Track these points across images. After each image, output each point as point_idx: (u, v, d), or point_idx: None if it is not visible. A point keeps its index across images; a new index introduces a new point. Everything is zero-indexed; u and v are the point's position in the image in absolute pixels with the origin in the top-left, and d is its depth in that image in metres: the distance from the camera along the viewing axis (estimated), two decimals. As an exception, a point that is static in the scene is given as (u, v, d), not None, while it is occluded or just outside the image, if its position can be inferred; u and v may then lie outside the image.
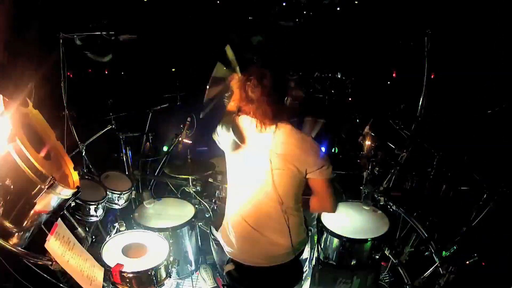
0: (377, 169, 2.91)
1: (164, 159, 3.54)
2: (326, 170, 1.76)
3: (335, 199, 1.87)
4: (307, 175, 1.77)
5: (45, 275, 1.78)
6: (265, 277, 1.87)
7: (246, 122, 1.80)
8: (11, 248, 1.38)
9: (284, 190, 1.77)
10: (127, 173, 3.22)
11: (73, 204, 2.18)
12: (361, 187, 2.81)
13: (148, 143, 3.66)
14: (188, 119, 3.23)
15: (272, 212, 1.80)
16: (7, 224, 1.37)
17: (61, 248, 1.52)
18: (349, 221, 2.36)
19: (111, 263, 1.95)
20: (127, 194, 2.64)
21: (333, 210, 1.91)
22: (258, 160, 1.76)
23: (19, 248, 1.41)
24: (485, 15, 3.59)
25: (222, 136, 1.85)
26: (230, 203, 1.94)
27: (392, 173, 2.91)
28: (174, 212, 2.60)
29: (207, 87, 1.99)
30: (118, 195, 2.57)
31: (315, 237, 2.39)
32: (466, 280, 2.30)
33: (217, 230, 2.15)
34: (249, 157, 1.80)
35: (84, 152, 2.96)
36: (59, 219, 1.61)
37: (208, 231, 2.58)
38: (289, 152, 1.73)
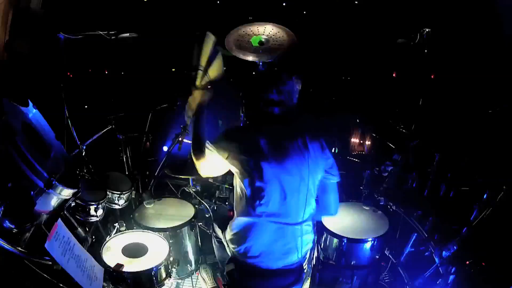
0: (377, 169, 2.91)
1: (164, 159, 3.54)
2: None
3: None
4: None
5: (45, 275, 1.77)
6: (266, 277, 1.87)
7: None
8: (11, 248, 1.38)
9: None
10: (127, 173, 3.21)
11: (73, 204, 2.18)
12: (361, 187, 2.81)
13: (148, 143, 3.66)
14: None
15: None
16: (8, 224, 1.37)
17: (61, 248, 1.52)
18: (349, 221, 2.36)
19: (111, 263, 1.95)
20: (127, 194, 2.63)
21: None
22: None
23: (19, 248, 1.41)
24: (485, 15, 3.58)
25: None
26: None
27: (392, 173, 2.90)
28: (174, 212, 2.60)
29: None
30: (118, 195, 2.56)
31: (315, 237, 2.39)
32: (466, 280, 2.30)
33: (219, 227, 2.15)
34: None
35: (84, 152, 2.95)
36: (59, 219, 1.61)
37: (208, 231, 2.59)
38: None
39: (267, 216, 1.75)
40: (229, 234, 1.90)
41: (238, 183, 1.79)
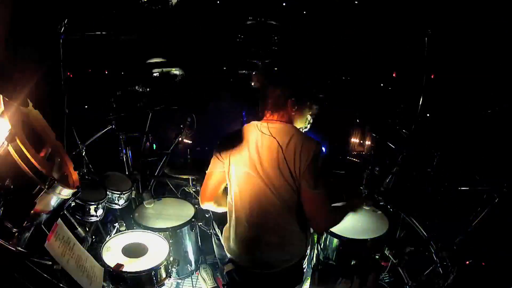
0: (377, 169, 2.91)
1: (164, 159, 3.54)
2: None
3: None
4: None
5: (45, 275, 1.77)
6: (265, 278, 1.87)
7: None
8: (11, 248, 1.38)
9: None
10: (127, 173, 3.21)
11: (73, 204, 2.18)
12: (361, 187, 2.81)
13: (148, 143, 3.66)
14: (188, 119, 3.23)
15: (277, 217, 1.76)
16: (7, 224, 1.36)
17: (61, 248, 1.52)
18: (349, 221, 2.36)
19: (111, 263, 1.95)
20: (127, 194, 2.63)
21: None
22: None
23: (19, 248, 1.41)
24: (485, 15, 3.59)
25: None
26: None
27: (392, 173, 2.90)
28: (174, 212, 2.60)
29: None
30: (118, 195, 2.57)
31: (315, 237, 2.39)
32: (466, 280, 2.30)
33: (218, 226, 2.15)
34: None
35: (84, 152, 2.96)
36: (59, 219, 1.61)
37: (208, 231, 2.59)
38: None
39: None
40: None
41: None
